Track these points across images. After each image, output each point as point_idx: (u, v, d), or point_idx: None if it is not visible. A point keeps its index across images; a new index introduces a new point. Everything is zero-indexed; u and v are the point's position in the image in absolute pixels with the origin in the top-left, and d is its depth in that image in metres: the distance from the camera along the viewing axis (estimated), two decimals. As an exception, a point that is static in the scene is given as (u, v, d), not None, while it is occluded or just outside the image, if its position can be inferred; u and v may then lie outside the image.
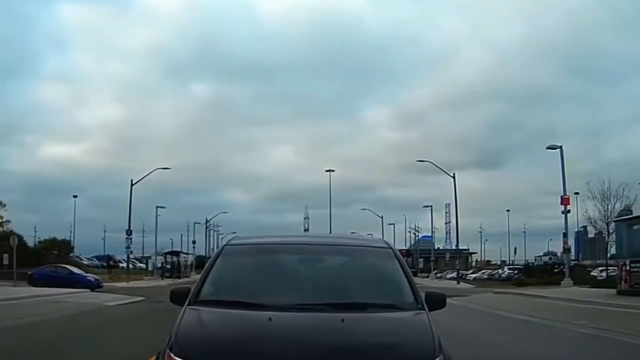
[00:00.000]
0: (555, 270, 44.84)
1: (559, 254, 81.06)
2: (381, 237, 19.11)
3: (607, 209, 37.84)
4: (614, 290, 24.47)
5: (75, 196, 74.49)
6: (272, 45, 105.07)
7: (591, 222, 39.96)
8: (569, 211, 36.07)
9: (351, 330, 3.96)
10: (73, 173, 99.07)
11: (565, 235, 37.82)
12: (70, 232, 68.21)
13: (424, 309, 4.41)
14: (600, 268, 49.57)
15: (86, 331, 14.00)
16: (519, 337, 13.64)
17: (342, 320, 4.00)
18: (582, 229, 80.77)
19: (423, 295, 4.59)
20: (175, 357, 3.66)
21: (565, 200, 34.66)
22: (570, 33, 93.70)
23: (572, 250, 50.99)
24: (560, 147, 35.05)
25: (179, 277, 56.84)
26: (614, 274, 33.46)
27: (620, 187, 38.39)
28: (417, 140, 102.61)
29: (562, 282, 33.97)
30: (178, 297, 4.60)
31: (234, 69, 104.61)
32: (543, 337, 13.56)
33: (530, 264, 63.16)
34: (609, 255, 44.24)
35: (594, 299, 22.06)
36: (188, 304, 4.40)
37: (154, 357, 4.49)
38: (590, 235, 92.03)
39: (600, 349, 11.85)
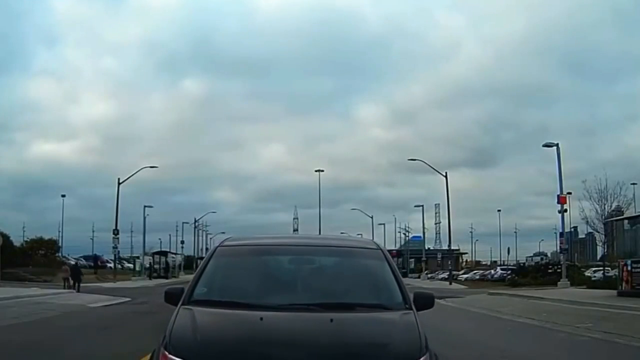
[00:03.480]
0: (550, 271, 44.40)
1: (549, 255, 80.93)
2: (371, 238, 18.72)
3: (604, 208, 37.26)
4: (613, 292, 23.81)
5: (63, 195, 73.91)
6: (265, 42, 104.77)
7: (587, 222, 39.34)
8: (565, 210, 35.56)
9: (339, 329, 4.05)
10: (62, 172, 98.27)
11: (562, 234, 37.41)
12: (58, 231, 67.37)
13: (412, 309, 4.49)
14: (594, 269, 49.21)
15: (51, 338, 12.42)
16: (533, 345, 12.86)
17: (331, 320, 4.10)
18: (572, 230, 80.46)
19: (412, 295, 4.66)
20: (170, 356, 3.75)
21: (562, 199, 34.10)
22: (567, 30, 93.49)
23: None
24: (557, 144, 34.52)
25: (167, 278, 56.20)
26: (611, 274, 32.96)
27: (617, 186, 37.82)
28: (409, 138, 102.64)
29: (559, 282, 33.48)
30: (172, 298, 4.71)
31: (227, 64, 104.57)
32: (557, 344, 12.80)
33: (522, 265, 62.72)
34: (599, 256, 43.89)
35: (594, 300, 21.44)
36: (182, 304, 4.50)
37: (149, 355, 4.45)
38: (581, 236, 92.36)
39: (614, 355, 11.28)
